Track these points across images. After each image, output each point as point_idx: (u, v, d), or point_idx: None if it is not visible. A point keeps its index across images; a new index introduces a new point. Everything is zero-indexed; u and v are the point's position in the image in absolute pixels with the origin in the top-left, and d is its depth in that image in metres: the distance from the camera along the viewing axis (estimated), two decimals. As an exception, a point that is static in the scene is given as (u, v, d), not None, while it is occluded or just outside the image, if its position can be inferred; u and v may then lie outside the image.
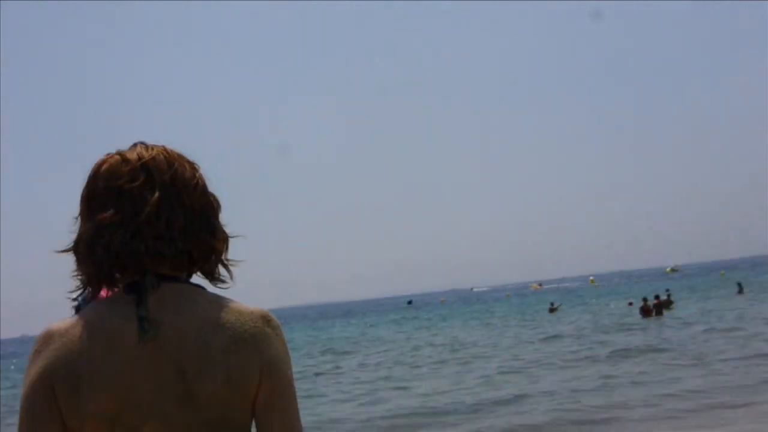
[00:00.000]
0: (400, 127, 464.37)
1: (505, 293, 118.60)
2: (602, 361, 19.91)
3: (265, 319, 1.57)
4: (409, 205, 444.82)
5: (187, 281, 1.59)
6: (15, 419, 1.56)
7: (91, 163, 1.63)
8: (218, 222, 1.62)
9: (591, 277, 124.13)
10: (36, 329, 1.64)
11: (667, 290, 43.10)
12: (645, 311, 33.96)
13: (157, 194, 1.53)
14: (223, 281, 1.63)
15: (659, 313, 33.73)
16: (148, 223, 1.52)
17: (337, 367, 25.95)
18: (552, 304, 50.17)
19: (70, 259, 1.60)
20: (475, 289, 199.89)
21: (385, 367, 24.25)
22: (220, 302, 1.56)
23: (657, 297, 35.95)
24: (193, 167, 1.63)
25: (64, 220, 1.64)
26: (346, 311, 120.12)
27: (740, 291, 45.72)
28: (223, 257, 1.62)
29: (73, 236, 1.58)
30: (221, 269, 1.62)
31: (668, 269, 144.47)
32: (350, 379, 21.92)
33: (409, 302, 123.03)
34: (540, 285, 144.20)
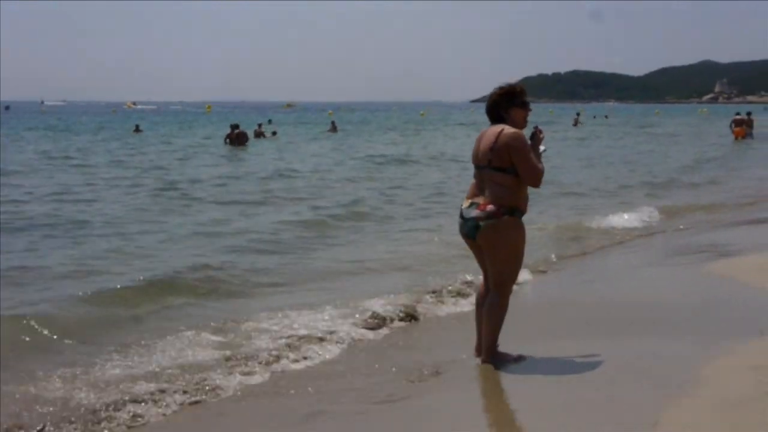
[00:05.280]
0: None
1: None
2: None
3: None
4: None
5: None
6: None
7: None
8: None
9: (208, 104, 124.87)
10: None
11: (270, 120, 45.19)
12: (233, 139, 31.87)
13: None
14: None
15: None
16: None
17: None
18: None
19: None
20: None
21: None
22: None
23: (260, 125, 37.22)
24: None
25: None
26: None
27: (333, 129, 50.42)
28: None
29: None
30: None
31: (285, 105, 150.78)
32: None
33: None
34: (134, 104, 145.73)
